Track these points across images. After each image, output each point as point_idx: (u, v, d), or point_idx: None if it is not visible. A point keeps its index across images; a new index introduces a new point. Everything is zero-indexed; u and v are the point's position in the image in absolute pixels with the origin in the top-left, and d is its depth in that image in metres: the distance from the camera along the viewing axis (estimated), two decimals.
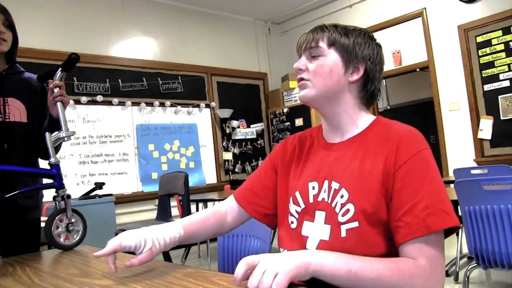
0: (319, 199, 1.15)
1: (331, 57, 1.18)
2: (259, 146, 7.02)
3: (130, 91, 5.74)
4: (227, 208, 1.38)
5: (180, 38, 6.40)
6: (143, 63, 5.93)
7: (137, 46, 5.98)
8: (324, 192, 1.15)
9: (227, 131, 6.65)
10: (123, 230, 3.33)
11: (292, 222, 1.21)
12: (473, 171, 3.70)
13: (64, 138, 1.74)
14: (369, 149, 1.13)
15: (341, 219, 1.09)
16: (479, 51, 5.39)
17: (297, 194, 1.21)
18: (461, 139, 5.60)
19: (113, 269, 1.15)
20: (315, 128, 1.33)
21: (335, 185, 1.13)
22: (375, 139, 1.14)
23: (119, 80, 5.66)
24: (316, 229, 1.14)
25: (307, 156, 1.27)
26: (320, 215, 1.14)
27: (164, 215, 3.74)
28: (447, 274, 3.50)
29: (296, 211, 1.20)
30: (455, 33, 5.58)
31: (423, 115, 8.76)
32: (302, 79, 1.21)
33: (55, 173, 1.71)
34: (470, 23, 5.45)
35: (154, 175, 5.72)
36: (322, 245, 1.11)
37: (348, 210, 1.08)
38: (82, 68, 5.22)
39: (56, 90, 1.79)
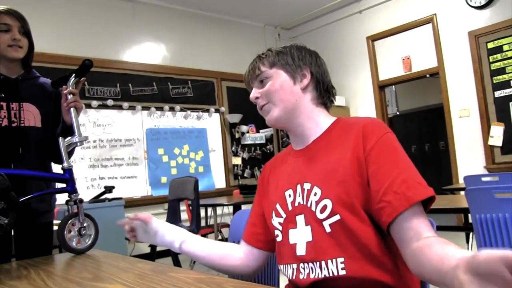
0: (296, 204, 1.18)
1: (277, 75, 1.24)
2: (268, 151, 7.02)
3: (140, 96, 5.77)
4: (243, 249, 1.39)
5: (190, 43, 6.43)
6: (153, 68, 5.97)
7: (148, 51, 6.02)
8: (299, 196, 1.18)
9: (237, 136, 6.67)
10: None
11: (277, 236, 1.24)
12: (484, 179, 3.68)
13: (77, 143, 1.76)
14: (335, 144, 1.17)
15: (320, 216, 1.10)
16: (490, 57, 5.37)
17: (277, 206, 1.24)
18: (471, 146, 5.57)
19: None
20: (289, 146, 1.36)
21: (307, 186, 1.16)
22: (339, 134, 1.19)
23: (130, 85, 5.69)
24: (300, 234, 1.15)
25: (280, 170, 1.32)
26: (300, 219, 1.16)
27: (173, 219, 3.76)
28: None
29: (279, 223, 1.23)
30: (465, 39, 5.57)
31: (433, 121, 8.72)
32: (262, 106, 1.27)
33: (68, 177, 1.73)
34: (481, 29, 5.44)
35: (164, 179, 5.74)
36: (308, 247, 1.13)
37: (325, 206, 1.10)
38: (93, 73, 5.26)
39: (70, 96, 1.81)
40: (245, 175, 6.68)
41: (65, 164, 1.73)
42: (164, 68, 6.07)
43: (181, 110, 6.10)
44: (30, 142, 1.93)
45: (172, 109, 6.02)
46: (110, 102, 5.46)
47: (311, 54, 1.29)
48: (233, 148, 6.63)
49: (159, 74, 6.00)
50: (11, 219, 1.54)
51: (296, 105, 1.22)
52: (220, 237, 4.92)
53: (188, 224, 4.08)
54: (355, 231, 1.06)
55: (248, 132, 6.77)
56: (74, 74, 1.84)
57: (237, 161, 6.58)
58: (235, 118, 6.54)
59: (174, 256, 3.50)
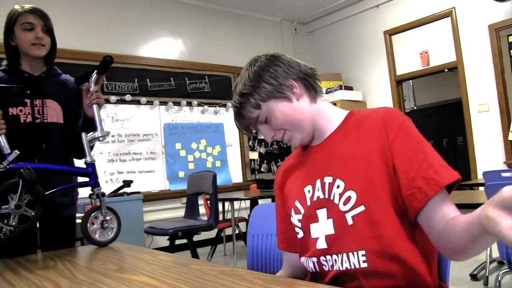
0: (315, 198, 1.18)
1: (271, 107, 1.19)
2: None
3: (158, 91, 5.82)
4: (287, 258, 1.37)
5: (207, 39, 6.45)
6: (171, 63, 6.01)
7: (165, 46, 6.06)
8: (318, 190, 1.18)
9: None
10: (152, 228, 3.40)
11: (298, 233, 1.24)
12: (503, 174, 3.64)
13: (99, 138, 1.80)
14: (353, 136, 1.17)
15: (343, 208, 1.11)
16: (511, 51, 5.30)
17: (296, 203, 1.24)
18: (490, 141, 5.51)
19: None
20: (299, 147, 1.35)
21: (328, 179, 1.16)
22: (356, 125, 1.18)
23: (147, 80, 5.74)
24: (322, 227, 1.16)
25: (296, 170, 1.30)
26: (321, 213, 1.16)
27: (192, 214, 3.80)
28: (476, 278, 3.46)
29: (299, 220, 1.23)
30: (485, 33, 5.50)
31: (451, 116, 8.64)
32: (282, 138, 1.24)
33: (91, 171, 1.76)
34: (501, 22, 5.37)
35: (181, 174, 5.79)
36: (330, 240, 1.13)
37: (349, 198, 1.10)
38: (111, 68, 5.20)
39: (92, 92, 1.84)
40: (262, 169, 6.70)
41: (88, 159, 1.77)
42: (181, 63, 6.11)
43: (198, 105, 6.14)
44: (53, 138, 1.97)
45: (189, 104, 6.06)
46: (128, 97, 5.51)
47: (275, 63, 1.22)
48: (250, 142, 6.65)
49: (176, 69, 6.04)
50: (37, 211, 1.59)
51: (305, 117, 1.21)
52: (237, 231, 4.95)
53: (205, 218, 4.12)
54: (378, 223, 1.06)
55: None
56: (95, 71, 1.87)
57: (254, 155, 6.61)
58: None
59: (192, 249, 3.55)
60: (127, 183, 4.75)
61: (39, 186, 1.58)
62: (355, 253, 1.09)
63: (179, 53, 6.17)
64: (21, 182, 1.54)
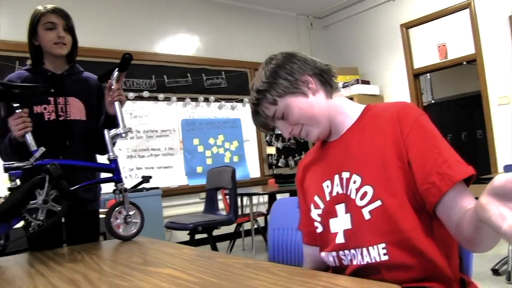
0: (334, 193, 1.20)
1: (287, 102, 1.21)
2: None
3: (175, 87, 5.86)
4: (310, 251, 1.38)
5: (223, 34, 6.47)
6: (187, 59, 6.04)
7: (181, 43, 6.09)
8: (337, 185, 1.19)
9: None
10: (172, 223, 3.44)
11: (317, 228, 1.26)
12: None
13: (121, 134, 1.83)
14: (369, 131, 1.18)
15: (360, 203, 1.12)
16: None
17: (316, 198, 1.26)
18: (511, 134, 5.45)
19: None
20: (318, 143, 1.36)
21: (345, 174, 1.17)
22: (372, 120, 1.19)
23: (164, 76, 5.79)
24: (340, 222, 1.18)
25: (315, 165, 1.32)
26: (340, 208, 1.18)
27: (211, 208, 3.83)
28: (498, 273, 3.43)
29: (318, 215, 1.25)
30: (505, 24, 5.42)
31: (470, 109, 8.54)
32: (300, 135, 1.27)
33: (114, 167, 1.80)
34: None
35: (199, 169, 5.83)
36: (348, 234, 1.15)
37: (366, 193, 1.12)
38: (137, 66, 5.36)
39: (113, 89, 1.88)
40: (279, 164, 6.71)
41: (111, 155, 1.80)
42: (198, 59, 6.14)
43: (215, 100, 6.17)
44: (76, 135, 2.01)
45: (206, 99, 6.10)
46: (146, 94, 5.56)
47: (291, 60, 1.24)
48: (267, 137, 6.66)
49: (193, 65, 6.07)
50: (64, 206, 1.62)
51: (322, 112, 1.23)
52: (256, 226, 4.98)
53: (225, 213, 4.15)
54: (395, 217, 1.08)
55: None
56: (116, 69, 1.90)
57: (271, 150, 6.62)
58: None
59: (212, 243, 3.59)
60: (146, 179, 4.80)
61: (65, 182, 1.62)
62: (375, 246, 1.10)
63: (195, 49, 6.21)
64: (47, 178, 1.58)
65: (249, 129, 6.46)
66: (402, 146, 1.10)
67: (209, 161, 5.95)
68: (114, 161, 1.80)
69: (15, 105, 1.70)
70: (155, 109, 5.65)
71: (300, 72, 1.22)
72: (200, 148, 5.94)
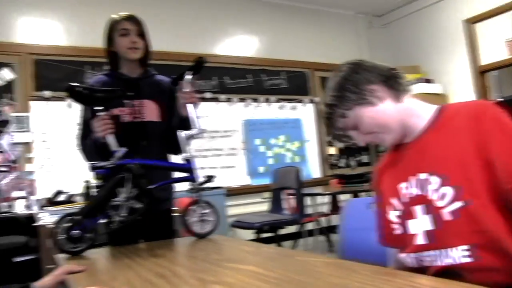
0: (411, 195, 1.19)
1: (357, 114, 1.21)
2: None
3: (236, 88, 5.94)
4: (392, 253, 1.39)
5: (282, 35, 6.49)
6: (248, 60, 6.10)
7: (241, 44, 6.16)
8: (414, 187, 1.18)
9: None
10: (239, 222, 3.49)
11: (395, 229, 1.25)
12: None
13: (196, 135, 1.89)
14: (445, 131, 1.16)
15: (439, 204, 1.11)
16: None
17: (393, 200, 1.25)
18: None
19: None
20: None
21: (422, 176, 1.16)
22: (447, 120, 1.18)
23: (226, 78, 5.87)
24: (419, 223, 1.17)
25: (391, 168, 1.31)
26: (418, 209, 1.17)
27: (277, 208, 3.86)
28: None
29: (396, 216, 1.24)
30: None
31: None
32: (374, 142, 1.27)
33: (190, 167, 1.86)
34: None
35: (261, 169, 5.88)
36: (427, 236, 1.14)
37: (445, 194, 1.10)
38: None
39: (187, 91, 1.94)
40: (340, 164, 6.65)
41: (187, 155, 1.87)
42: (258, 60, 6.19)
43: (276, 101, 6.20)
44: (151, 136, 2.09)
45: (267, 100, 6.13)
46: (208, 95, 5.67)
47: (355, 71, 1.25)
48: (328, 138, 6.61)
49: (253, 66, 6.12)
50: (144, 204, 1.70)
51: (392, 118, 1.22)
52: (318, 226, 4.96)
53: (288, 212, 4.17)
54: (479, 218, 1.05)
55: None
56: (190, 71, 1.96)
57: (332, 150, 6.57)
58: None
59: (278, 243, 3.62)
60: (210, 178, 4.88)
61: (145, 181, 1.69)
62: (457, 248, 1.08)
63: (255, 50, 6.26)
64: (129, 176, 1.66)
65: (310, 129, 6.44)
66: (482, 144, 1.08)
67: (271, 161, 5.98)
68: (189, 161, 1.87)
69: (97, 108, 1.79)
70: (217, 110, 5.74)
71: (366, 82, 1.22)
72: (262, 148, 5.98)
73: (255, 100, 6.04)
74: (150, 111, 2.10)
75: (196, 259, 1.41)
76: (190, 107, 1.93)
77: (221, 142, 5.68)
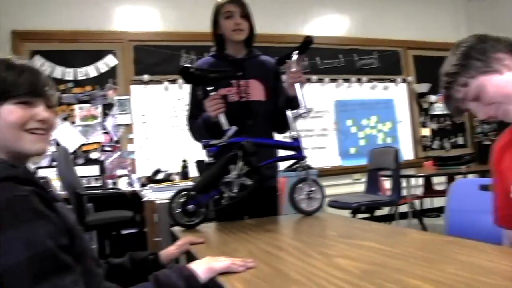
0: None
1: (480, 83, 1.17)
2: (458, 122, 6.62)
3: (328, 68, 5.89)
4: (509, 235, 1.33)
5: (374, 12, 6.31)
6: (339, 40, 6.01)
7: (332, 24, 6.08)
8: None
9: (425, 106, 6.40)
10: (335, 202, 3.49)
11: None
12: None
13: (303, 114, 1.92)
14: None
15: None
16: None
17: None
18: None
19: None
20: None
21: None
22: None
23: (317, 58, 5.84)
24: None
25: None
26: None
27: (373, 189, 3.82)
28: None
29: None
30: None
31: None
32: (497, 115, 1.21)
33: (298, 145, 1.90)
34: None
35: (353, 150, 5.82)
36: None
37: None
38: (282, 48, 5.47)
39: (294, 71, 1.96)
40: (434, 146, 6.41)
41: (294, 133, 1.90)
42: (349, 40, 6.08)
43: (368, 81, 6.07)
44: (257, 115, 2.13)
45: (358, 80, 6.03)
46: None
47: (482, 40, 1.20)
48: (421, 118, 6.39)
49: (344, 46, 6.03)
50: (254, 181, 1.75)
51: None
52: (412, 208, 4.84)
53: (382, 194, 4.11)
54: None
55: (437, 102, 6.45)
56: (296, 51, 1.98)
57: (425, 132, 6.35)
58: (423, 87, 6.28)
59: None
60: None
61: (255, 158, 1.74)
62: None
63: (346, 30, 6.15)
64: (240, 154, 1.72)
65: (402, 110, 6.25)
66: None
67: (362, 142, 5.90)
68: (297, 140, 1.90)
69: (209, 88, 1.86)
70: (309, 91, 5.72)
71: (493, 50, 1.18)
72: (353, 129, 5.91)
73: (346, 80, 5.97)
74: (256, 90, 2.14)
75: (311, 234, 1.45)
76: (297, 87, 1.95)
77: (312, 122, 5.67)
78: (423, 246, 1.13)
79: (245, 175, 1.74)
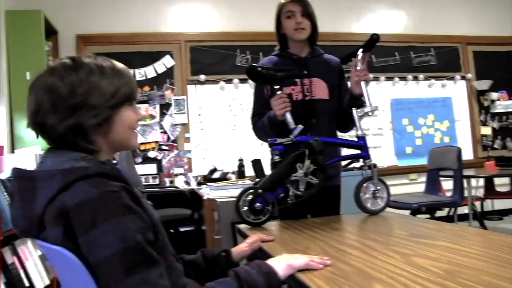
0: None
1: None
2: None
3: (383, 66, 5.79)
4: None
5: (431, 8, 6.14)
6: (395, 38, 5.89)
7: (388, 20, 5.98)
8: None
9: (485, 104, 6.18)
10: (394, 202, 3.43)
11: None
12: None
13: (368, 112, 1.91)
14: None
15: None
16: None
17: None
18: None
19: None
20: None
21: None
22: None
23: (372, 56, 5.75)
24: None
25: None
26: None
27: (433, 189, 3.74)
28: None
29: None
30: None
31: None
32: None
33: (363, 144, 1.89)
34: None
35: (409, 150, 5.70)
36: None
37: None
38: (338, 47, 5.41)
39: (359, 69, 1.95)
40: (495, 146, 6.18)
41: (359, 132, 1.90)
42: (405, 37, 5.96)
43: (425, 79, 5.93)
44: (320, 113, 2.13)
45: (415, 78, 5.89)
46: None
47: None
48: (481, 117, 6.18)
49: (400, 43, 5.91)
50: (320, 179, 1.76)
51: None
52: (472, 210, 4.70)
53: (444, 194, 4.00)
54: None
55: (498, 99, 6.22)
56: (361, 49, 1.97)
57: (486, 131, 6.13)
58: (484, 84, 6.06)
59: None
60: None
61: (322, 157, 1.75)
62: None
63: (402, 26, 6.03)
64: (307, 152, 1.73)
65: (461, 108, 6.06)
66: None
67: (418, 142, 5.76)
68: (362, 139, 1.90)
69: (276, 87, 1.88)
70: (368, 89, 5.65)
71: None
72: (410, 128, 5.78)
73: (402, 78, 5.85)
74: (320, 89, 2.14)
75: (381, 233, 1.44)
76: (362, 85, 1.94)
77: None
78: (503, 248, 1.11)
79: (312, 174, 1.76)
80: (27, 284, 2.47)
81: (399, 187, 5.41)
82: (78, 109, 1.01)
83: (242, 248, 1.43)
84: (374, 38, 1.92)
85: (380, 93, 5.71)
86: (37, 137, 1.06)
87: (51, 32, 4.49)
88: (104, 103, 1.04)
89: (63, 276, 1.00)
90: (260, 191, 1.73)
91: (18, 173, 1.01)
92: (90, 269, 0.88)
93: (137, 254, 0.89)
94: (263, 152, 5.16)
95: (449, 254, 1.08)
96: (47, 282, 2.69)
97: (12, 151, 3.84)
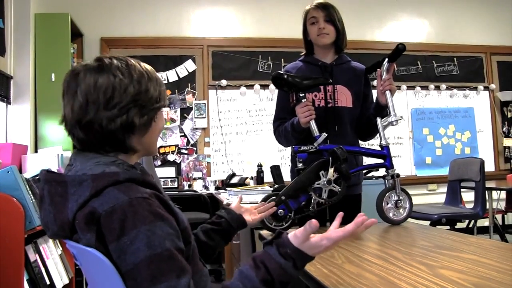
0: None
1: None
2: None
3: (405, 75, 5.76)
4: None
5: (455, 17, 6.10)
6: (417, 46, 5.85)
7: (411, 29, 5.94)
8: None
9: (509, 116, 6.11)
10: (414, 212, 3.39)
11: None
12: None
13: (393, 122, 1.90)
14: None
15: None
16: None
17: None
18: None
19: None
20: None
21: None
22: None
23: (394, 64, 5.71)
24: None
25: None
26: None
27: (453, 200, 3.70)
28: None
29: None
30: None
31: None
32: None
33: (387, 153, 1.88)
34: None
35: (428, 160, 5.65)
36: None
37: None
38: (359, 55, 5.38)
39: (384, 79, 1.95)
40: None
41: (383, 142, 1.90)
42: (428, 46, 5.91)
43: (447, 88, 5.88)
44: (343, 121, 2.13)
45: (437, 88, 5.85)
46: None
47: None
48: (504, 128, 6.10)
49: (423, 52, 5.87)
50: (343, 187, 1.76)
51: None
52: (494, 223, 4.63)
53: (464, 206, 3.95)
54: None
55: None
56: (387, 59, 1.97)
57: (508, 142, 6.05)
58: (507, 95, 5.98)
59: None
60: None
61: (345, 165, 1.75)
62: None
63: (425, 35, 5.99)
64: (331, 160, 1.73)
65: (483, 119, 5.99)
66: None
67: (438, 152, 5.71)
68: (386, 148, 1.89)
69: (301, 94, 1.89)
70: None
71: None
72: (430, 138, 5.73)
73: (424, 88, 5.81)
74: (343, 96, 2.14)
75: (404, 244, 1.43)
76: (387, 95, 1.94)
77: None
78: None
79: (334, 182, 1.76)
80: (47, 282, 2.50)
81: (418, 197, 5.33)
82: (131, 108, 1.02)
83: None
84: (400, 48, 1.91)
85: (401, 102, 5.68)
86: (69, 135, 1.06)
87: (76, 35, 4.58)
88: (150, 105, 1.06)
89: (94, 277, 1.02)
90: (283, 197, 1.73)
91: (49, 176, 1.02)
92: (122, 276, 0.89)
93: (165, 261, 0.88)
94: (282, 158, 5.22)
95: (476, 268, 1.07)
96: (66, 281, 2.72)
97: (35, 150, 3.91)
